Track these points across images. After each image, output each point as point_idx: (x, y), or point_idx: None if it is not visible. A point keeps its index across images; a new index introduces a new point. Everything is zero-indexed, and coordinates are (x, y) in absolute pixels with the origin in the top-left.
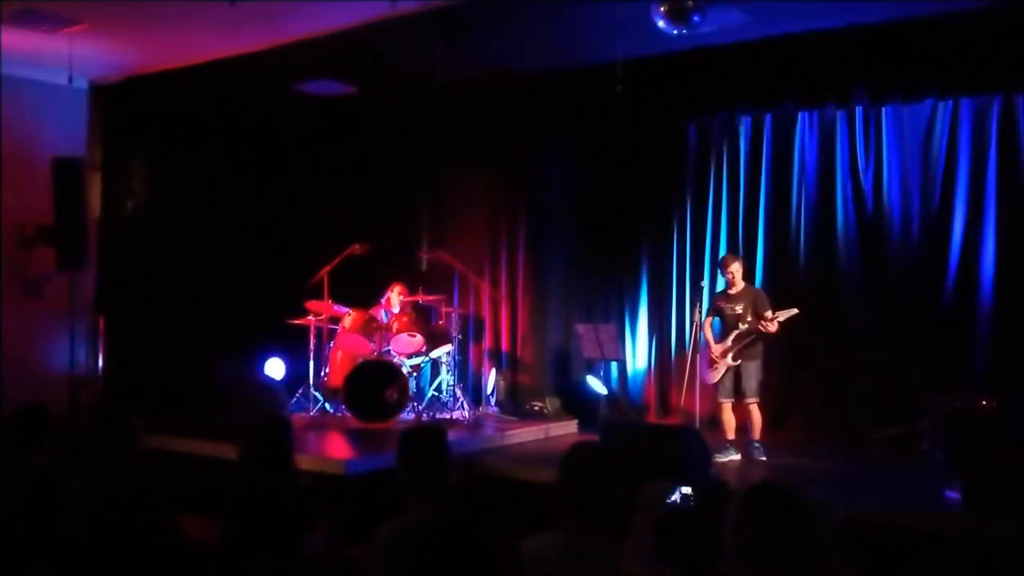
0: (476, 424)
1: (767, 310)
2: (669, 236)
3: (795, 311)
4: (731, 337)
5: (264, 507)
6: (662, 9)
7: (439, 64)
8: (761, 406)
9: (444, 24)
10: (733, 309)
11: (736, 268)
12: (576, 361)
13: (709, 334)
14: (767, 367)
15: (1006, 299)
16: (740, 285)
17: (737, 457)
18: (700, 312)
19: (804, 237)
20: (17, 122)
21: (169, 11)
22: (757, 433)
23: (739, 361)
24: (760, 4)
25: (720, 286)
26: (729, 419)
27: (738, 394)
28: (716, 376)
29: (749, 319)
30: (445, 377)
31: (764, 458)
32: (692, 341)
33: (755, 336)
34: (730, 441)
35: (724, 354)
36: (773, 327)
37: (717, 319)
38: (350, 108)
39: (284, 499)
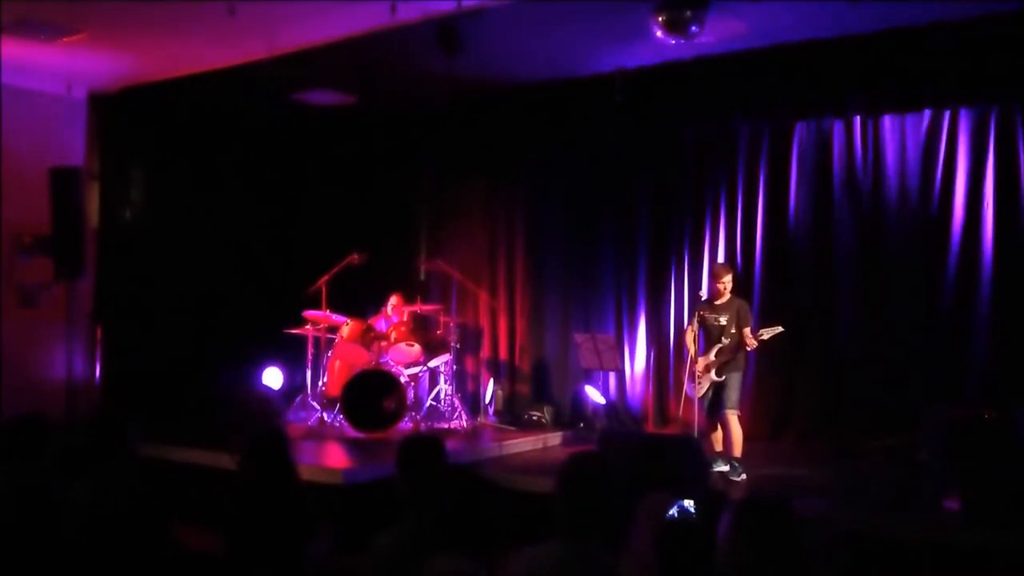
0: (474, 434)
1: (749, 325)
2: (667, 245)
3: (780, 329)
4: (714, 352)
5: (266, 517)
6: (660, 19)
7: (438, 74)
8: (741, 419)
9: (443, 34)
10: (717, 320)
11: (728, 280)
12: (574, 371)
13: (692, 346)
14: (765, 378)
15: (1004, 309)
16: (727, 296)
17: (727, 468)
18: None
19: (802, 246)
20: (16, 132)
21: (168, 20)
22: (736, 449)
23: (723, 376)
24: (758, 14)
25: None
26: (717, 433)
27: (717, 405)
28: (700, 391)
29: (733, 331)
30: (443, 387)
31: (743, 476)
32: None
33: (738, 349)
34: (718, 453)
35: (708, 369)
36: (755, 344)
37: (701, 329)
38: (349, 117)
39: (286, 510)
